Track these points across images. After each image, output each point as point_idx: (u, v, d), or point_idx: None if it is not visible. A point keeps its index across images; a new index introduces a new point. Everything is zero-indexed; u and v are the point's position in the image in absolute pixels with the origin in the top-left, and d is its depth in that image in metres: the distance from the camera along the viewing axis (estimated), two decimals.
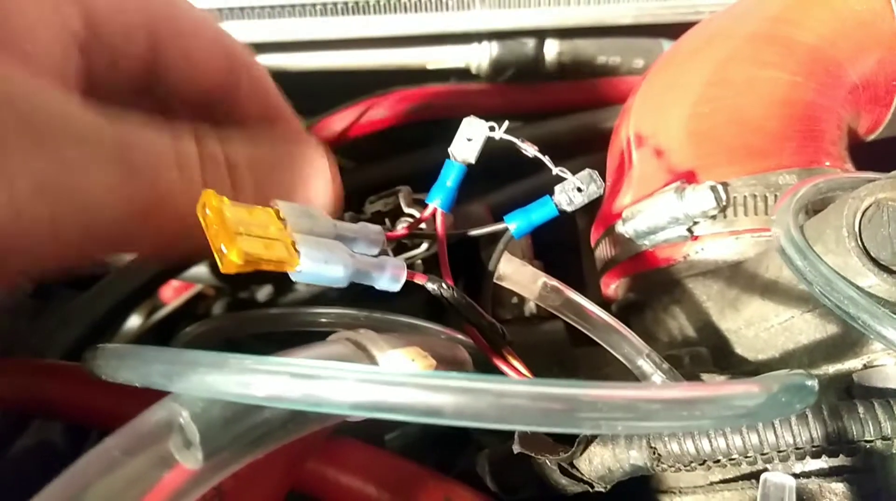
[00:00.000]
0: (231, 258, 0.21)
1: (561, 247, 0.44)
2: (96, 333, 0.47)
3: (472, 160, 0.27)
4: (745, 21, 0.36)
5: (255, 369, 0.17)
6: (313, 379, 0.16)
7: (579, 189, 0.26)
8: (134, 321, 0.52)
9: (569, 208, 0.27)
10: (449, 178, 0.27)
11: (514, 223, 0.28)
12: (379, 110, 0.49)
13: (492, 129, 0.27)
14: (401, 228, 0.33)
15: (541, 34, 0.48)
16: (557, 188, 0.27)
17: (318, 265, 0.22)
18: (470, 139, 0.27)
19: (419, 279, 0.26)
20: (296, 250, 0.22)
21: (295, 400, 0.16)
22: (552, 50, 0.49)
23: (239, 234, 0.21)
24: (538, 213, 0.27)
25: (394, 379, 0.16)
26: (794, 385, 0.18)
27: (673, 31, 0.43)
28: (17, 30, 0.22)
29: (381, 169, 0.49)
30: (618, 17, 0.46)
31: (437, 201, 0.28)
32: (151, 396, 0.19)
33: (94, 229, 0.22)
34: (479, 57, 0.49)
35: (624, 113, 0.39)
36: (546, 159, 0.26)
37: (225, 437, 0.18)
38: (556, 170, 0.26)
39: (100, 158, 0.22)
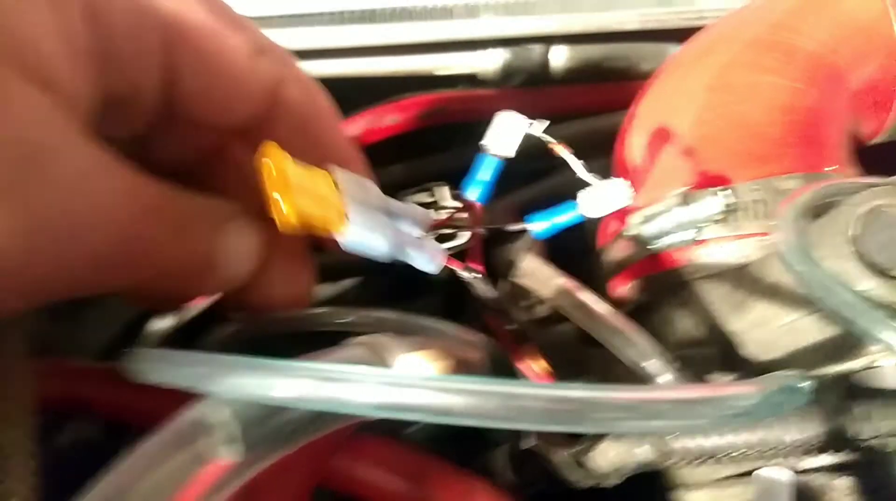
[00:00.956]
0: (286, 211, 0.22)
1: (569, 250, 0.44)
2: (129, 334, 0.48)
3: (512, 154, 0.27)
4: (746, 27, 0.37)
5: (282, 372, 0.18)
6: (337, 382, 0.18)
7: (607, 197, 0.26)
8: (162, 323, 0.53)
9: (594, 215, 0.27)
10: (485, 171, 0.28)
11: (537, 225, 0.28)
12: (391, 116, 0.51)
13: (530, 125, 0.27)
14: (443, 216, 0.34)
15: (547, 40, 0.49)
16: (583, 194, 0.27)
17: (363, 233, 0.23)
18: (508, 133, 0.27)
19: (456, 266, 0.26)
20: (346, 216, 0.23)
21: (320, 402, 0.17)
22: (559, 56, 0.50)
23: (295, 189, 0.22)
24: (562, 216, 0.28)
25: (411, 382, 0.17)
26: (789, 387, 0.19)
27: (678, 36, 0.44)
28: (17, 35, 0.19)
29: (401, 172, 0.50)
30: (623, 23, 0.47)
31: (474, 194, 0.28)
32: (184, 396, 0.21)
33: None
34: (486, 63, 0.50)
35: (629, 118, 0.40)
36: (579, 163, 0.27)
37: (264, 430, 0.20)
38: (587, 176, 0.27)
39: (94, 201, 0.20)
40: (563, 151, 0.27)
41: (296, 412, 0.21)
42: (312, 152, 0.28)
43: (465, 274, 0.27)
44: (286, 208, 0.22)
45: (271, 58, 0.27)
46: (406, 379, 0.17)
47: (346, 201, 0.24)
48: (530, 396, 0.17)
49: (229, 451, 0.19)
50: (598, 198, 0.26)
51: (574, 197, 0.27)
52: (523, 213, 0.29)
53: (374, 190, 0.26)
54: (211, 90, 0.25)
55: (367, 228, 0.24)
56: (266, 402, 0.19)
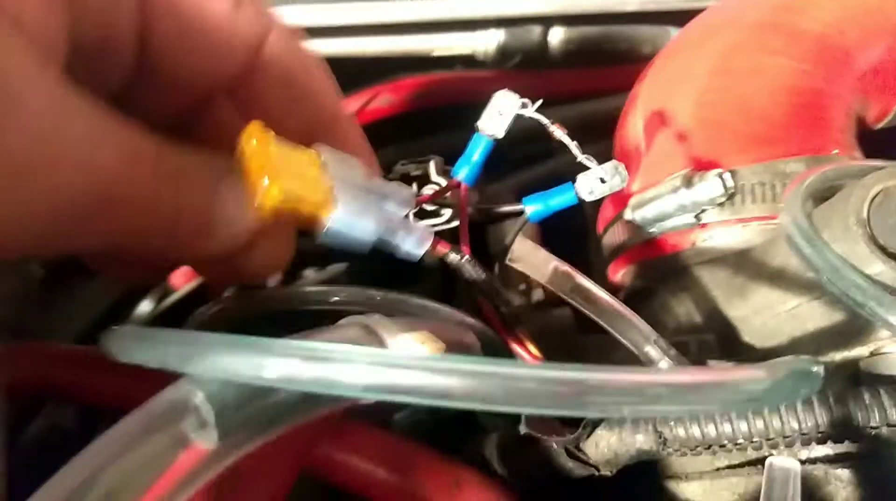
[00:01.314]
0: (271, 193, 0.21)
1: (568, 234, 0.44)
2: (108, 319, 0.47)
3: (501, 135, 0.26)
4: (751, 9, 0.36)
5: (268, 351, 0.17)
6: (325, 362, 0.16)
7: (602, 180, 0.26)
8: (145, 307, 0.52)
9: (589, 198, 0.26)
10: (476, 152, 0.27)
11: (532, 207, 0.27)
12: (386, 97, 0.50)
13: (524, 106, 0.26)
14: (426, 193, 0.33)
15: (547, 21, 0.48)
16: (581, 177, 0.26)
17: (351, 217, 0.22)
18: (501, 114, 0.26)
19: (442, 247, 0.26)
20: (334, 199, 0.22)
21: (307, 382, 0.16)
22: (558, 37, 0.49)
23: (281, 170, 0.21)
24: (558, 199, 0.27)
25: (405, 362, 0.16)
26: (801, 371, 0.18)
27: (678, 18, 0.43)
28: None
29: (395, 153, 0.49)
30: (623, 4, 0.46)
31: (461, 174, 0.27)
32: (164, 378, 0.20)
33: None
34: (485, 44, 0.49)
35: (630, 101, 0.39)
36: (573, 145, 0.26)
37: (240, 417, 0.19)
38: (581, 157, 0.26)
39: (68, 148, 0.19)
40: (559, 133, 0.26)
41: (275, 397, 0.20)
42: (301, 108, 0.28)
43: (452, 256, 0.26)
44: (274, 192, 0.21)
45: (252, 11, 0.25)
46: (400, 360, 0.16)
47: (335, 183, 0.23)
48: (533, 378, 0.16)
49: (202, 437, 0.18)
50: (594, 181, 0.26)
51: (573, 180, 0.27)
52: (521, 195, 0.28)
53: (360, 167, 0.25)
54: (188, 43, 0.24)
55: (355, 211, 0.23)
56: (252, 382, 0.17)
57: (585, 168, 0.27)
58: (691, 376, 0.18)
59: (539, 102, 0.26)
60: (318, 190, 0.22)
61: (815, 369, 0.19)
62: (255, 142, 0.22)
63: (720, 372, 0.18)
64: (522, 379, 0.16)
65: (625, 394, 0.17)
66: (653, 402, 0.17)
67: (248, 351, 0.17)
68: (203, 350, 0.18)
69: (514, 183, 0.45)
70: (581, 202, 0.27)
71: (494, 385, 0.16)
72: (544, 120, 0.26)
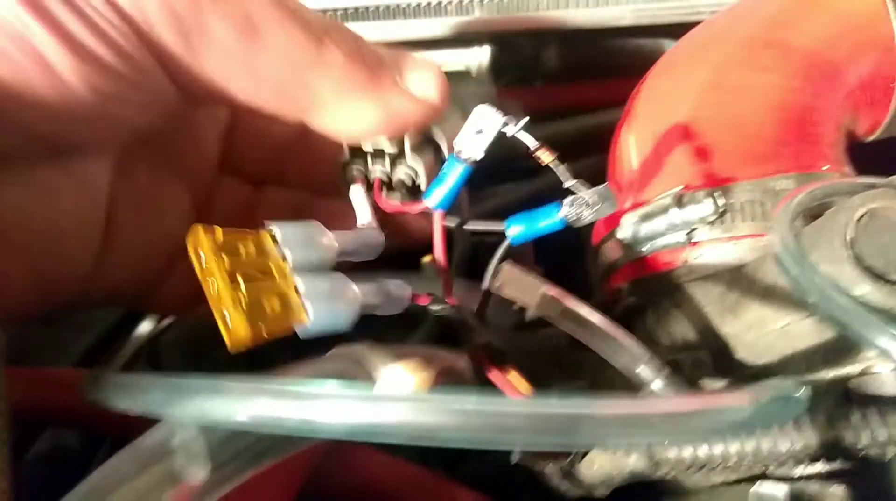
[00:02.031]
0: (237, 336, 0.19)
1: (563, 249, 0.44)
2: (108, 340, 0.47)
3: (479, 156, 0.25)
4: (741, 25, 0.36)
5: (245, 394, 0.17)
6: (304, 401, 0.17)
7: (590, 206, 0.24)
8: (145, 327, 0.53)
9: (576, 224, 0.25)
10: (450, 176, 0.25)
11: (517, 228, 0.25)
12: None
13: (505, 124, 0.24)
14: (391, 200, 0.30)
15: (540, 37, 0.49)
16: (567, 201, 0.25)
17: (325, 319, 0.21)
18: (480, 131, 0.24)
19: (421, 302, 0.25)
20: (301, 300, 0.21)
21: (290, 427, 0.16)
22: (551, 53, 0.49)
23: (238, 290, 0.19)
24: (543, 222, 0.25)
25: (390, 403, 0.16)
26: (783, 397, 0.18)
27: (673, 32, 0.43)
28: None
29: None
30: (617, 19, 0.46)
31: (433, 198, 0.25)
32: None
33: None
34: (478, 60, 0.50)
35: (624, 116, 0.39)
36: (561, 168, 0.25)
37: (231, 450, 0.19)
38: (570, 183, 0.25)
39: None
40: (546, 157, 0.25)
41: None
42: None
43: (433, 308, 0.25)
44: (240, 336, 0.19)
45: None
46: (385, 401, 0.16)
47: (297, 279, 0.21)
48: (517, 414, 0.16)
49: (194, 471, 0.18)
50: (582, 207, 0.25)
51: (560, 201, 0.26)
52: (508, 213, 0.28)
53: (321, 238, 0.23)
54: None
55: (327, 314, 0.21)
56: (229, 427, 0.18)
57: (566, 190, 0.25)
58: (675, 405, 0.18)
59: (525, 120, 0.24)
60: (284, 301, 0.20)
61: (798, 394, 0.19)
62: (203, 253, 0.20)
63: (703, 399, 0.19)
64: (510, 416, 0.16)
65: (610, 426, 0.17)
66: (638, 432, 0.18)
67: (223, 395, 0.17)
68: (179, 396, 0.18)
69: (499, 201, 0.45)
70: (568, 227, 0.26)
71: (481, 422, 0.16)
72: (530, 141, 0.24)
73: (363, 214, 0.28)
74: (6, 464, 0.26)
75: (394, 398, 0.16)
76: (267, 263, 0.21)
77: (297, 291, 0.21)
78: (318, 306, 0.21)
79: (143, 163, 0.31)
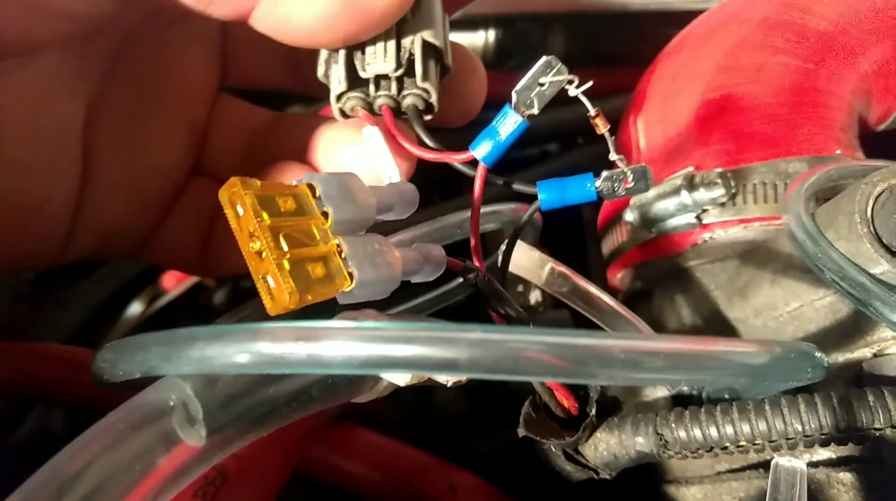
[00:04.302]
0: (280, 302, 0.18)
1: (566, 236, 0.43)
2: (97, 319, 0.46)
3: (537, 111, 0.23)
4: (756, 7, 0.35)
5: (248, 336, 0.16)
6: (316, 341, 0.15)
7: (628, 181, 0.23)
8: (135, 309, 0.52)
9: (608, 197, 0.24)
10: (502, 128, 0.23)
11: (545, 194, 0.24)
12: None
13: (570, 81, 0.23)
14: (409, 100, 0.25)
15: (546, 22, 0.48)
16: (605, 174, 0.24)
17: (369, 285, 0.20)
18: (542, 84, 0.23)
19: (455, 267, 0.23)
20: (345, 264, 0.19)
21: (295, 364, 0.15)
22: (558, 37, 0.48)
23: (281, 252, 0.18)
24: (574, 192, 0.24)
25: (397, 332, 0.15)
26: (802, 352, 0.18)
27: (681, 18, 0.43)
28: None
29: None
30: (625, 4, 0.46)
31: (481, 149, 0.23)
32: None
33: None
34: (483, 44, 0.49)
35: (633, 100, 0.39)
36: (612, 140, 0.23)
37: (228, 414, 0.18)
38: (615, 156, 0.23)
39: None
40: (601, 124, 0.23)
41: (270, 390, 0.19)
42: None
43: (469, 275, 0.24)
44: (286, 301, 0.18)
45: None
46: (390, 328, 0.15)
47: (341, 242, 0.19)
48: (536, 343, 0.15)
49: (190, 434, 0.17)
50: (617, 182, 0.23)
51: (595, 172, 0.24)
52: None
53: (361, 193, 0.21)
54: None
55: (373, 280, 0.19)
56: (233, 370, 0.17)
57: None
58: (690, 344, 0.17)
59: (589, 83, 0.22)
60: (328, 265, 0.19)
61: (817, 354, 0.19)
62: (241, 208, 0.18)
63: (721, 343, 0.18)
64: (530, 345, 0.16)
65: (621, 361, 0.16)
66: (650, 369, 0.17)
67: (233, 339, 0.16)
68: (186, 345, 0.17)
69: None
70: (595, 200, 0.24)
71: (490, 353, 0.15)
72: (589, 105, 0.23)
73: (385, 160, 0.25)
74: None
75: (402, 329, 0.15)
76: (308, 221, 0.20)
77: (339, 253, 0.20)
78: (364, 271, 0.19)
79: (122, 89, 0.28)
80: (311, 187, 0.20)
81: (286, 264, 0.18)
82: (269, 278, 0.18)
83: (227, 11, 0.24)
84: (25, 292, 0.47)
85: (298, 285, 0.18)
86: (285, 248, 0.18)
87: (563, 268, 0.29)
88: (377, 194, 0.22)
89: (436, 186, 0.49)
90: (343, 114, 0.26)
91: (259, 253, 0.18)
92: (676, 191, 0.31)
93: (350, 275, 0.19)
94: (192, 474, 0.18)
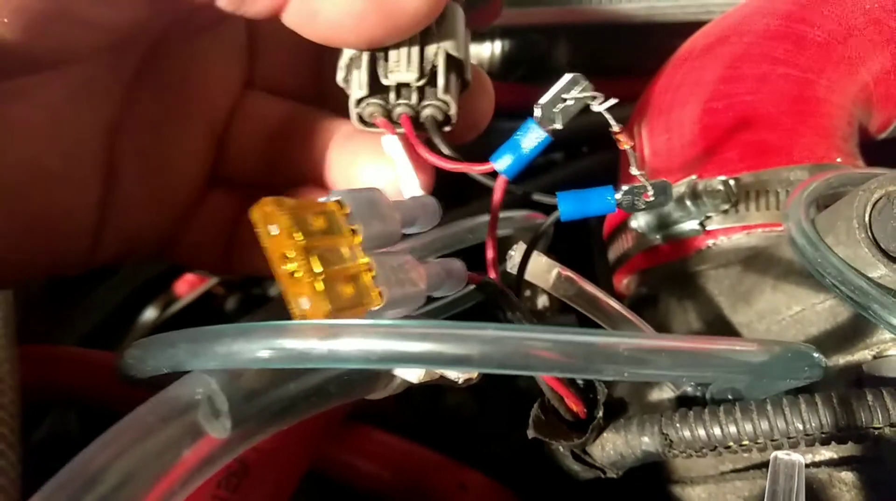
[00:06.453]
0: (315, 315, 0.18)
1: (572, 243, 0.44)
2: (112, 323, 0.47)
3: (560, 127, 0.23)
4: (758, 18, 0.36)
5: (271, 333, 0.17)
6: (336, 337, 0.16)
7: (650, 196, 0.23)
8: (150, 314, 0.52)
9: (628, 210, 0.24)
10: (524, 141, 0.23)
11: (565, 205, 0.24)
12: None
13: (594, 97, 0.22)
14: (429, 110, 0.25)
15: (552, 32, 0.49)
16: (625, 187, 0.24)
17: (397, 304, 0.20)
18: (565, 100, 0.22)
19: (475, 282, 0.24)
20: (374, 283, 0.19)
21: (315, 360, 0.16)
22: (564, 48, 0.49)
23: (314, 274, 0.18)
24: (595, 204, 0.24)
25: (414, 329, 0.16)
26: (799, 351, 0.19)
27: (684, 29, 0.44)
28: None
29: None
30: (629, 16, 0.47)
31: (503, 162, 0.23)
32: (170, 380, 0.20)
33: None
34: (490, 54, 0.50)
35: (637, 109, 0.39)
36: (635, 156, 0.24)
37: (251, 408, 0.19)
38: (636, 171, 0.24)
39: None
40: (623, 139, 0.23)
41: (291, 386, 0.20)
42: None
43: (485, 290, 0.23)
44: (315, 316, 0.18)
45: None
46: (407, 326, 0.16)
47: (371, 259, 0.19)
48: (545, 340, 0.16)
49: (215, 426, 0.18)
50: (638, 197, 0.23)
51: (615, 185, 0.24)
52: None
53: (386, 208, 0.22)
54: None
55: (399, 299, 0.20)
56: (257, 365, 0.17)
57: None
58: (692, 343, 0.18)
59: (613, 101, 0.22)
60: (357, 284, 0.19)
61: (815, 354, 0.19)
62: (275, 228, 0.18)
63: (722, 341, 0.19)
64: (536, 342, 0.16)
65: (625, 357, 0.17)
66: (654, 366, 0.17)
67: (256, 336, 0.17)
68: (205, 342, 0.18)
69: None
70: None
71: (502, 350, 0.16)
72: (613, 121, 0.23)
73: (406, 171, 0.25)
74: (17, 437, 0.26)
75: (417, 326, 0.16)
76: (338, 240, 0.20)
77: (368, 271, 0.20)
78: (392, 289, 0.20)
79: (148, 96, 0.28)
80: (339, 204, 0.20)
81: (319, 285, 0.18)
82: (303, 300, 0.18)
83: (261, 9, 0.24)
84: (39, 298, 0.47)
85: (332, 306, 0.18)
86: (318, 269, 0.18)
87: (569, 273, 0.30)
88: (400, 209, 0.22)
89: (440, 196, 0.50)
90: (361, 119, 0.26)
91: (292, 273, 0.18)
92: (680, 199, 0.32)
93: (380, 294, 0.20)
94: (216, 465, 0.19)
